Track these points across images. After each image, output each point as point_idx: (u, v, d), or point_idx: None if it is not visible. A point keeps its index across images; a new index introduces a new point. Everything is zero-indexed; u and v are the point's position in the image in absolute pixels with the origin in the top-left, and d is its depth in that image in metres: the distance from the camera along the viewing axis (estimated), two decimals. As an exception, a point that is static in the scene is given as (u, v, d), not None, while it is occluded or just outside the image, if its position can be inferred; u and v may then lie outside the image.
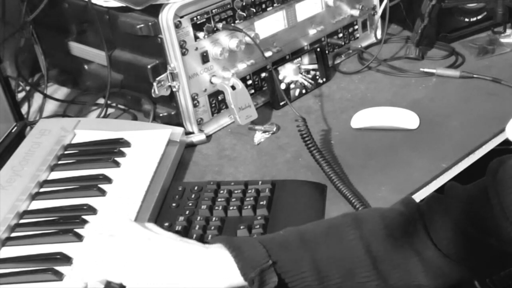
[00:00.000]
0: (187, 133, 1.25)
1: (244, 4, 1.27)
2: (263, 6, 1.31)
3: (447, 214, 0.86)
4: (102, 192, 1.04)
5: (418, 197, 1.05)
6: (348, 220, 0.86)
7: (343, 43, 1.52)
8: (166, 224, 0.99)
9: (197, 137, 1.25)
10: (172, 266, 0.82)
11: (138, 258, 0.83)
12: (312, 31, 1.42)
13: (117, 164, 1.11)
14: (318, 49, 1.40)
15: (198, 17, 1.21)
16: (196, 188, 1.06)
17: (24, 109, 1.44)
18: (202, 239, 0.95)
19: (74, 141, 1.19)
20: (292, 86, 1.37)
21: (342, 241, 0.84)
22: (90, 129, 1.20)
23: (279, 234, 0.86)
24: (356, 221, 0.85)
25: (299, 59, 1.37)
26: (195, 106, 1.25)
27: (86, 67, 1.43)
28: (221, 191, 1.05)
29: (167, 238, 0.86)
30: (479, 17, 1.55)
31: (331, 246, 0.83)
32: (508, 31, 1.56)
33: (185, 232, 0.96)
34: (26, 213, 1.02)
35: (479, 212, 0.84)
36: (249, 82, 1.34)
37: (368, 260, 0.82)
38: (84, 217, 0.98)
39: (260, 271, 0.79)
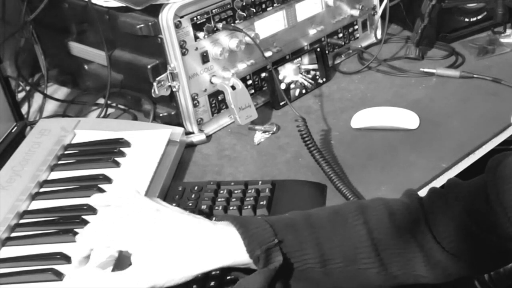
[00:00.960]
0: (187, 133, 1.25)
1: (244, 4, 1.27)
2: (263, 6, 1.31)
3: (447, 209, 0.86)
4: (102, 192, 1.04)
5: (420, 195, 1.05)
6: (353, 207, 0.86)
7: (343, 43, 1.52)
8: (166, 224, 0.99)
9: (197, 137, 1.25)
10: (178, 238, 0.81)
11: (146, 227, 0.81)
12: (312, 31, 1.43)
13: (117, 164, 1.11)
14: (318, 49, 1.40)
15: (198, 17, 1.21)
16: (196, 188, 1.06)
17: (24, 109, 1.43)
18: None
19: (74, 141, 1.19)
20: (292, 86, 1.37)
21: (346, 225, 0.84)
22: (90, 129, 1.20)
23: (285, 215, 0.86)
24: (360, 208, 0.86)
25: (299, 59, 1.37)
26: (195, 106, 1.25)
27: (86, 67, 1.43)
28: (221, 191, 1.05)
29: (175, 211, 0.85)
30: (479, 17, 1.55)
31: (335, 230, 0.84)
32: (508, 31, 1.56)
33: (185, 232, 0.96)
34: (26, 213, 1.02)
35: (479, 209, 0.84)
36: (249, 82, 1.34)
37: (370, 247, 0.83)
38: (84, 217, 0.98)
39: (266, 249, 0.79)
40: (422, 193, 1.05)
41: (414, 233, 0.85)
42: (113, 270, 0.85)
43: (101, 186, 1.05)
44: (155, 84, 1.20)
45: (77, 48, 1.41)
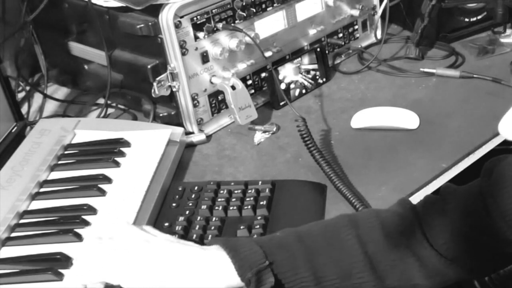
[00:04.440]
0: (187, 133, 1.25)
1: (244, 4, 1.27)
2: (263, 6, 1.31)
3: (442, 215, 0.86)
4: (102, 192, 1.04)
5: (418, 197, 1.05)
6: (345, 221, 0.86)
7: (343, 43, 1.52)
8: (166, 224, 0.99)
9: (197, 137, 1.25)
10: (169, 267, 0.82)
11: (137, 260, 0.84)
12: (312, 31, 1.43)
13: (117, 164, 1.11)
14: (318, 49, 1.40)
15: (198, 17, 1.21)
16: (196, 188, 1.06)
17: (24, 109, 1.44)
18: (202, 239, 0.95)
19: (74, 141, 1.19)
20: (292, 86, 1.37)
21: (339, 241, 0.84)
22: (90, 129, 1.20)
23: (276, 235, 0.87)
24: (352, 222, 0.86)
25: (299, 59, 1.37)
26: (195, 106, 1.25)
27: (86, 67, 1.43)
28: (221, 191, 1.04)
29: (165, 240, 0.87)
30: (479, 17, 1.55)
31: (327, 246, 0.84)
32: (508, 31, 1.56)
33: (185, 232, 0.96)
34: (26, 213, 1.02)
35: (475, 213, 0.84)
36: (249, 82, 1.34)
37: (364, 261, 0.82)
38: (84, 217, 0.98)
39: (257, 272, 0.80)
40: (422, 193, 1.06)
41: (409, 242, 0.84)
42: None
43: (101, 186, 1.05)
44: (155, 84, 1.20)
45: (77, 48, 1.41)
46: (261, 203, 1.02)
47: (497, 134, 1.20)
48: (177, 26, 1.18)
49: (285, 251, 0.83)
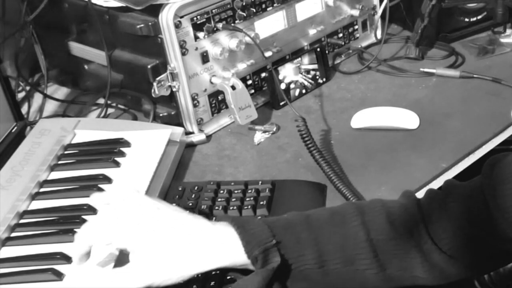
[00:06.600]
0: (187, 133, 1.25)
1: (244, 4, 1.27)
2: (263, 6, 1.31)
3: (444, 211, 0.86)
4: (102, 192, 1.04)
5: (418, 197, 1.05)
6: (351, 208, 0.86)
7: (343, 43, 1.52)
8: (166, 224, 0.99)
9: (197, 137, 1.25)
10: (177, 237, 0.81)
11: (145, 225, 0.81)
12: (312, 31, 1.43)
13: (117, 164, 1.11)
14: (318, 49, 1.40)
15: (198, 17, 1.21)
16: (196, 188, 1.06)
17: (24, 109, 1.44)
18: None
19: (74, 141, 1.19)
20: (292, 86, 1.37)
21: (345, 226, 0.84)
22: (90, 129, 1.20)
23: (283, 216, 0.86)
24: (359, 209, 0.86)
25: (299, 59, 1.37)
26: (195, 106, 1.25)
27: (86, 67, 1.43)
28: (221, 191, 1.05)
29: (175, 211, 0.85)
30: (479, 17, 1.56)
31: (333, 231, 0.84)
32: (508, 31, 1.56)
33: (185, 232, 0.96)
34: (26, 213, 1.02)
35: (476, 210, 0.84)
36: (249, 82, 1.34)
37: (368, 248, 0.83)
38: (84, 217, 0.98)
39: (264, 250, 0.79)
40: (421, 193, 1.06)
41: (412, 234, 0.85)
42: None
43: (101, 186, 1.05)
44: (155, 84, 1.20)
45: (77, 48, 1.41)
46: (261, 203, 1.02)
47: (497, 134, 1.20)
48: (177, 26, 1.18)
49: (292, 232, 0.82)
